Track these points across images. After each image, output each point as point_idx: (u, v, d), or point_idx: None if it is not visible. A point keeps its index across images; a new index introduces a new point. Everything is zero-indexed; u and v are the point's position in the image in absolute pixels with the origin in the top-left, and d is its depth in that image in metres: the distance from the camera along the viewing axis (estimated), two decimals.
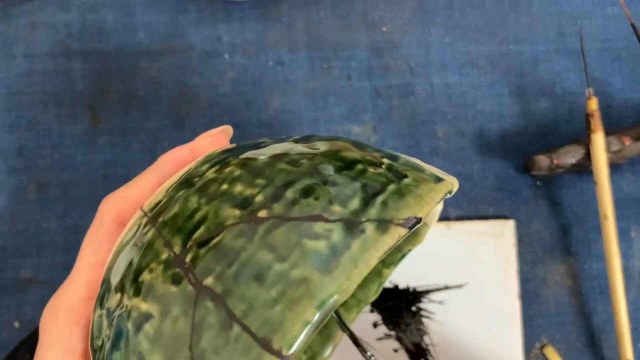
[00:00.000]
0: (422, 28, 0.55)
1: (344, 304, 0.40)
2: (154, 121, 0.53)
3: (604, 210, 0.49)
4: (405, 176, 0.28)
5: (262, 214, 0.26)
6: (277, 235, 0.25)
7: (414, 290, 0.51)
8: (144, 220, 0.29)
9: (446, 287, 0.51)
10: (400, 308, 0.51)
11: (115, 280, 0.28)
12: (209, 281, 0.25)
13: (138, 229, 0.29)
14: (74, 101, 0.53)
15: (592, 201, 0.53)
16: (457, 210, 0.53)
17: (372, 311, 0.50)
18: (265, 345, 0.23)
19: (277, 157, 0.29)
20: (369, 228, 0.25)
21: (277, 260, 0.24)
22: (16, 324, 0.51)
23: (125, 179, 0.52)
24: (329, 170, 0.28)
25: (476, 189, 0.53)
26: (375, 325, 0.50)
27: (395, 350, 0.50)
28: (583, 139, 0.51)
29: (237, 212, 0.26)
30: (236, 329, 0.24)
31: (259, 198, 0.26)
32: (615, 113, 0.54)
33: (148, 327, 0.26)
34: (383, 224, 0.25)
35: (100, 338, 0.28)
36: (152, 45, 0.54)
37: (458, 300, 0.50)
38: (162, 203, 0.29)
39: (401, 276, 0.51)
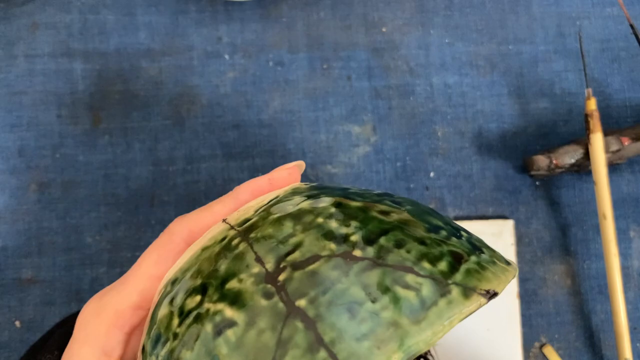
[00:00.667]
0: (421, 28, 0.55)
1: None
2: (154, 121, 0.53)
3: (603, 210, 0.49)
4: (482, 251, 0.30)
5: (357, 253, 0.27)
6: (372, 276, 0.26)
7: None
8: (232, 232, 0.30)
9: None
10: None
11: (193, 282, 0.29)
12: (301, 303, 0.26)
13: (224, 239, 0.30)
14: (74, 101, 0.53)
15: (591, 201, 0.53)
16: (456, 210, 0.53)
17: None
18: None
19: (368, 205, 0.30)
20: (455, 291, 0.26)
21: (369, 299, 0.26)
22: (17, 324, 0.51)
23: (126, 178, 0.52)
24: (418, 228, 0.29)
25: (476, 188, 0.53)
26: None
27: None
28: (582, 139, 0.51)
29: (333, 245, 0.27)
30: (322, 353, 0.25)
31: (354, 238, 0.28)
32: (614, 113, 0.54)
33: (230, 333, 0.26)
34: (467, 290, 0.27)
35: (166, 335, 0.29)
36: (153, 45, 0.54)
37: None
38: (252, 220, 0.30)
39: None
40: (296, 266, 0.27)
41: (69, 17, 0.54)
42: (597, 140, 0.49)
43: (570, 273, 0.52)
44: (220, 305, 0.27)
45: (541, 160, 0.50)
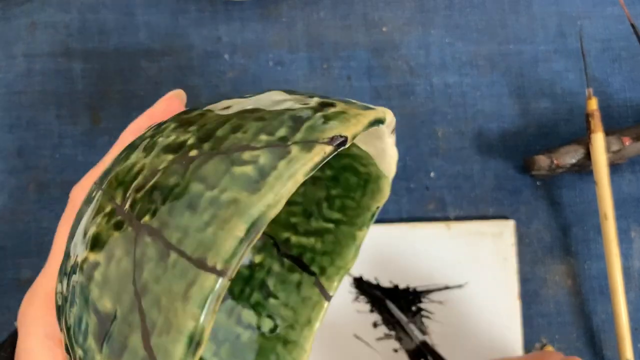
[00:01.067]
0: (422, 28, 0.55)
1: (324, 274, 0.41)
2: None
3: (604, 210, 0.49)
4: (333, 105, 0.29)
5: (193, 153, 0.27)
6: (207, 167, 0.26)
7: (414, 290, 0.51)
8: (94, 188, 0.30)
9: (446, 287, 0.51)
10: (400, 308, 0.51)
11: (68, 244, 0.30)
12: (146, 219, 0.26)
13: (88, 196, 0.30)
14: (74, 101, 0.53)
15: (592, 201, 0.53)
16: (457, 210, 0.53)
17: (372, 311, 0.50)
18: (201, 264, 0.24)
19: (207, 109, 0.31)
20: (295, 149, 0.26)
21: (207, 188, 0.26)
22: (16, 324, 0.51)
23: None
24: (258, 109, 0.29)
25: (476, 188, 0.53)
26: (375, 325, 0.50)
27: (395, 350, 0.50)
28: (583, 139, 0.51)
29: (170, 156, 0.28)
30: (173, 255, 0.25)
31: (190, 141, 0.28)
32: (615, 113, 0.54)
33: (97, 274, 0.27)
34: (308, 144, 0.26)
35: (60, 302, 0.29)
36: (153, 45, 0.54)
37: (458, 300, 0.50)
38: (107, 169, 0.31)
39: (401, 276, 0.51)
40: (139, 189, 0.27)
41: (68, 16, 0.54)
42: (598, 140, 0.49)
43: (571, 273, 0.52)
44: (85, 254, 0.28)
45: (542, 160, 0.50)
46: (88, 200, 0.30)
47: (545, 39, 0.54)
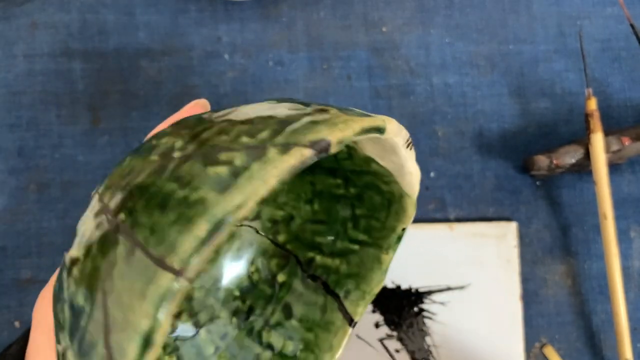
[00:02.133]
0: (422, 28, 0.55)
1: (348, 297, 0.40)
2: (154, 121, 0.53)
3: (603, 210, 0.49)
4: (327, 111, 0.28)
5: (177, 154, 0.27)
6: (184, 167, 0.26)
7: (416, 291, 0.51)
8: (96, 188, 0.31)
9: (448, 288, 0.51)
10: (402, 309, 0.51)
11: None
12: (121, 217, 0.27)
13: (90, 199, 0.31)
14: (74, 101, 0.53)
15: (592, 201, 0.53)
16: (457, 211, 0.53)
17: (374, 311, 0.50)
18: (160, 263, 0.24)
19: (207, 115, 0.30)
20: (272, 151, 0.26)
21: (179, 187, 0.26)
22: (16, 324, 0.51)
23: None
24: (246, 113, 0.29)
25: (476, 188, 0.53)
26: (377, 325, 0.50)
27: (397, 351, 0.50)
28: (583, 139, 0.51)
29: (156, 157, 0.28)
30: (138, 253, 0.25)
31: (178, 144, 0.28)
32: (615, 113, 0.54)
33: (75, 270, 0.27)
34: (286, 146, 0.26)
35: (54, 298, 0.30)
36: (152, 45, 0.54)
37: (460, 301, 0.51)
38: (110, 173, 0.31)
39: (403, 277, 0.51)
40: (123, 189, 0.28)
41: (68, 16, 0.54)
42: (598, 140, 0.49)
43: (571, 273, 0.52)
44: (72, 251, 0.28)
45: (542, 160, 0.50)
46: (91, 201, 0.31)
47: (546, 39, 0.54)
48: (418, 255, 0.51)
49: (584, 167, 0.51)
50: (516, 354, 0.50)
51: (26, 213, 0.52)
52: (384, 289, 0.51)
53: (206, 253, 0.24)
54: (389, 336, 0.50)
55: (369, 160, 0.36)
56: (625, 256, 0.53)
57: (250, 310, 0.42)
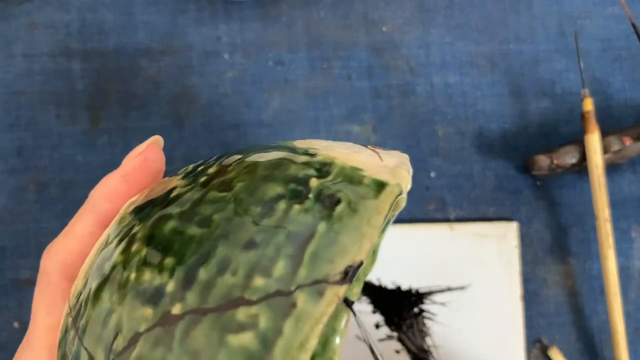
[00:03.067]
0: (422, 28, 0.55)
1: None
2: (153, 121, 0.53)
3: (599, 211, 0.49)
4: (339, 201, 0.23)
5: (176, 310, 0.22)
6: (197, 336, 0.21)
7: (417, 291, 0.51)
8: (70, 320, 0.25)
9: (449, 289, 0.51)
10: (402, 309, 0.51)
11: None
12: None
13: (67, 331, 0.26)
14: (73, 101, 0.53)
15: (592, 201, 0.53)
16: (457, 211, 0.53)
17: (374, 312, 0.50)
18: None
19: (186, 217, 0.24)
20: (300, 299, 0.20)
21: None
22: (15, 325, 0.51)
23: None
24: (247, 224, 0.23)
25: (476, 188, 0.53)
26: (377, 326, 0.50)
27: (397, 352, 0.50)
28: (583, 139, 0.51)
29: (149, 311, 0.22)
30: None
31: (170, 288, 0.22)
32: (616, 113, 0.54)
33: None
34: (316, 289, 0.20)
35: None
36: (152, 45, 0.54)
37: (460, 301, 0.50)
38: (81, 296, 0.25)
39: (403, 277, 0.51)
40: (121, 354, 0.22)
41: (67, 16, 0.54)
42: (592, 141, 0.49)
43: (572, 273, 0.52)
44: None
45: (542, 160, 0.50)
46: (64, 330, 0.26)
47: (546, 38, 0.54)
48: (418, 255, 0.51)
49: (584, 167, 0.51)
50: (516, 354, 0.50)
51: (25, 213, 0.52)
52: (384, 289, 0.51)
53: None
54: (389, 337, 0.50)
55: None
56: (625, 256, 0.53)
57: None
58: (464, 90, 0.54)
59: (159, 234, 0.24)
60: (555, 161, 0.50)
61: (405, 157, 0.27)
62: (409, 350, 0.50)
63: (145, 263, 0.23)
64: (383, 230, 0.37)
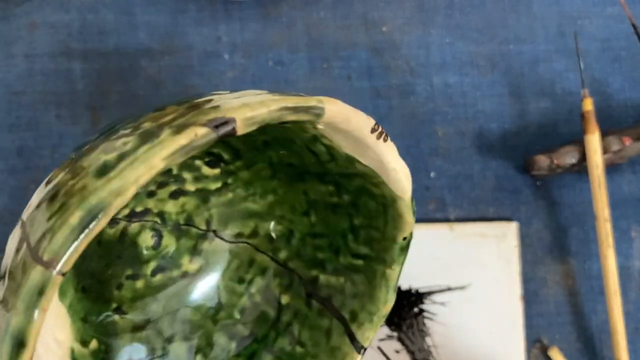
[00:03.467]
0: (422, 28, 0.55)
1: (355, 320, 0.37)
2: None
3: (599, 212, 0.49)
4: (261, 94, 0.27)
5: (86, 147, 0.26)
6: (87, 157, 0.24)
7: (417, 291, 0.51)
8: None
9: (449, 289, 0.51)
10: (402, 309, 0.51)
11: None
12: (24, 217, 0.25)
13: None
14: (74, 101, 0.53)
15: (592, 201, 0.53)
16: (457, 211, 0.53)
17: None
18: (36, 257, 0.23)
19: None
20: (166, 132, 0.23)
21: (71, 178, 0.24)
22: None
23: None
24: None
25: (476, 189, 0.53)
26: None
27: (397, 352, 0.50)
28: (583, 138, 0.51)
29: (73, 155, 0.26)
30: (23, 249, 0.23)
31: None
32: (615, 113, 0.54)
33: None
34: (181, 127, 0.23)
35: None
36: (152, 45, 0.54)
37: (460, 301, 0.51)
38: None
39: (403, 277, 0.51)
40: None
41: (68, 16, 0.54)
42: (592, 142, 0.49)
43: (571, 273, 0.52)
44: None
45: (542, 160, 0.50)
46: None
47: (546, 38, 0.54)
48: (418, 255, 0.51)
49: (584, 167, 0.51)
50: (516, 354, 0.50)
51: None
52: None
53: (80, 242, 0.22)
54: (389, 337, 0.50)
55: (351, 160, 0.33)
56: (625, 256, 0.53)
57: (251, 336, 0.39)
58: (464, 91, 0.54)
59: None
60: (555, 161, 0.50)
61: None
62: (409, 350, 0.50)
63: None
64: (399, 258, 0.36)
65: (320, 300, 0.38)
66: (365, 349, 0.36)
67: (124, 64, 0.53)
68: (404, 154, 0.53)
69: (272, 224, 0.39)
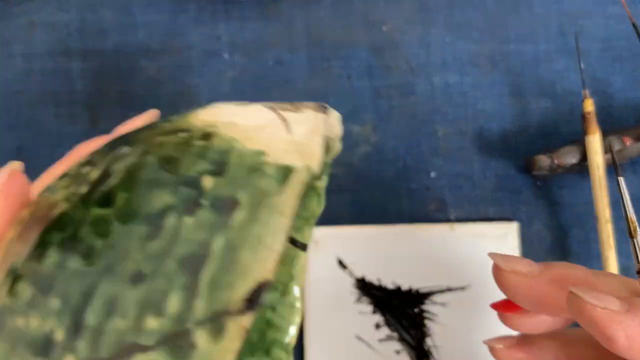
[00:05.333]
0: (422, 27, 0.54)
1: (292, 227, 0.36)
2: None
3: (600, 212, 0.49)
4: (236, 204, 0.20)
5: (68, 359, 0.19)
6: None
7: (417, 292, 0.51)
8: None
9: (449, 289, 0.51)
10: (402, 309, 0.51)
11: None
12: None
13: None
14: (73, 101, 0.53)
15: (593, 201, 0.53)
16: (457, 211, 0.53)
17: (374, 312, 0.50)
18: None
19: (68, 246, 0.21)
20: (201, 339, 0.18)
21: None
22: None
23: None
24: (131, 249, 0.20)
25: (477, 189, 0.53)
26: (377, 326, 0.50)
27: (398, 352, 0.50)
28: (583, 138, 0.51)
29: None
30: None
31: (58, 336, 0.20)
32: (616, 113, 0.54)
33: None
34: (217, 324, 0.18)
35: None
36: (152, 44, 0.54)
37: (461, 302, 0.50)
38: None
39: (404, 278, 0.51)
40: None
41: (67, 16, 0.54)
42: (593, 143, 0.49)
43: None
44: None
45: (543, 160, 0.50)
46: None
47: (547, 38, 0.54)
48: (418, 255, 0.51)
49: (585, 167, 0.51)
50: None
51: None
52: (384, 289, 0.50)
53: None
54: (389, 337, 0.50)
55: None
56: (625, 256, 0.52)
57: None
58: (464, 90, 0.54)
59: (38, 271, 0.20)
60: (555, 161, 0.50)
61: (319, 118, 0.23)
62: (409, 351, 0.50)
63: (31, 305, 0.20)
64: (327, 172, 0.31)
65: None
66: (306, 245, 0.33)
67: (123, 64, 0.53)
68: (404, 154, 0.53)
69: None
